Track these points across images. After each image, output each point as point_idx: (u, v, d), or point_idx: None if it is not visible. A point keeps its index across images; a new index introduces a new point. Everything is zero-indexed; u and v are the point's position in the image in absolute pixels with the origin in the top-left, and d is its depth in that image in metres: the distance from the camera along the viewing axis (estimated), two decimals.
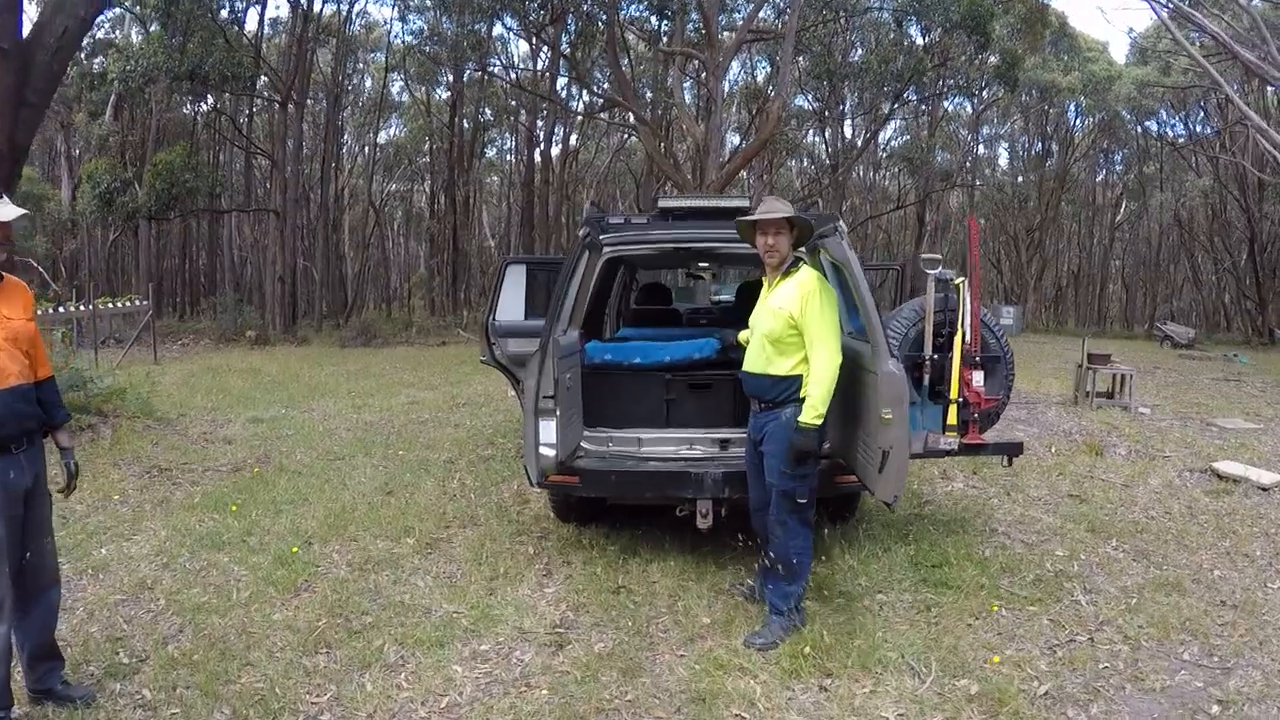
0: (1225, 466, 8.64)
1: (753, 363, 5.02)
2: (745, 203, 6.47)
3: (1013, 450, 5.84)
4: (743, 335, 5.55)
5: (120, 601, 5.34)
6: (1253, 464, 8.82)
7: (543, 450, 5.30)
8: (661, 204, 6.69)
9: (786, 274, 4.91)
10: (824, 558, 5.89)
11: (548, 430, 5.29)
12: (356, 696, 4.21)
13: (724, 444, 6.12)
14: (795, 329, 4.74)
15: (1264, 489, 7.97)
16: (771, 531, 4.89)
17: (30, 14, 10.34)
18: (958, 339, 5.38)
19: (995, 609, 5.16)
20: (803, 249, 5.16)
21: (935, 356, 5.54)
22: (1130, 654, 4.66)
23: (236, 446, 9.97)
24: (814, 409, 4.61)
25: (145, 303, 21.93)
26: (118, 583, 5.64)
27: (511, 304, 7.15)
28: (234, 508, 7.23)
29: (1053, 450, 9.64)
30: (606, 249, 6.20)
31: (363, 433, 10.91)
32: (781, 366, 4.83)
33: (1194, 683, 4.37)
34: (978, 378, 5.45)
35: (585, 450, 6.10)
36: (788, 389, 4.81)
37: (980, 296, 5.50)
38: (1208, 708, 4.13)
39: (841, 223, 4.89)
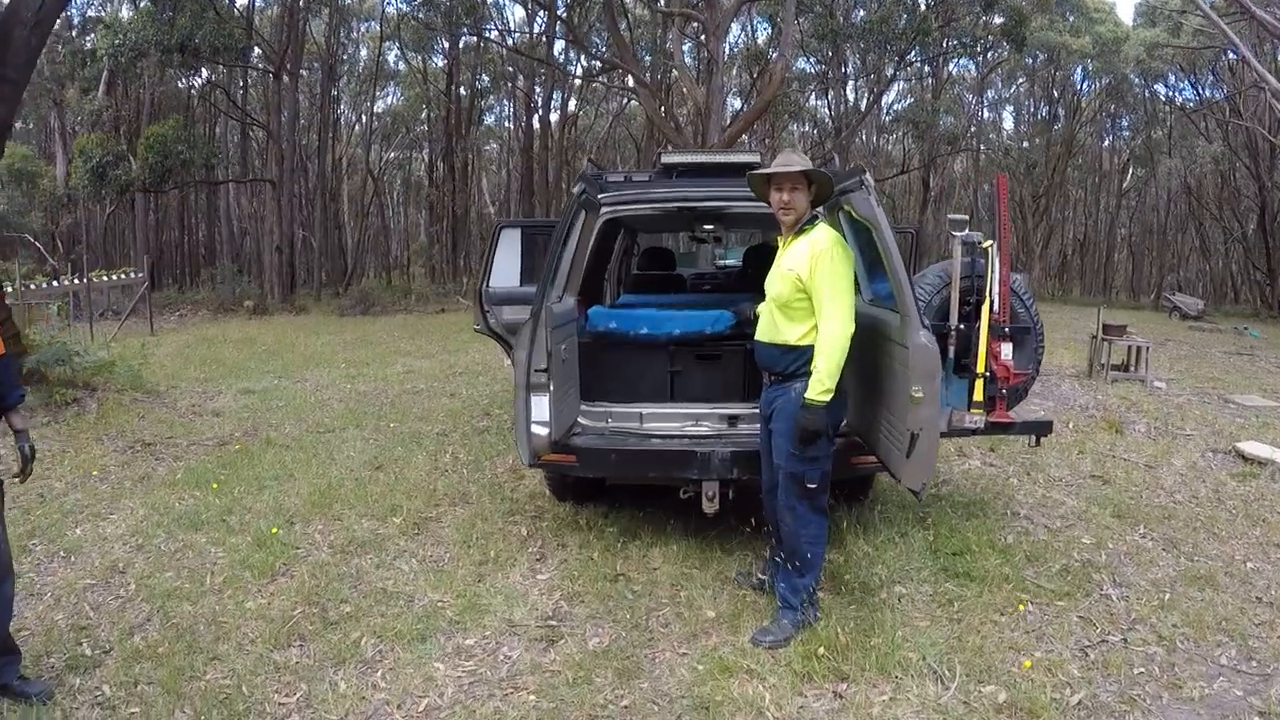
0: (1250, 448, 8.35)
1: (763, 330, 4.60)
2: (756, 158, 6.01)
3: (1041, 430, 5.40)
4: (761, 306, 5.16)
5: (90, 586, 5.11)
6: (1277, 445, 8.53)
7: (535, 429, 4.90)
8: (665, 160, 6.22)
9: (800, 233, 4.45)
10: (838, 544, 5.52)
11: (540, 407, 4.88)
12: (328, 697, 3.88)
13: (733, 420, 5.68)
14: (805, 293, 4.31)
15: None
16: (780, 518, 4.49)
17: None
18: (985, 308, 4.93)
19: (1023, 607, 4.76)
20: (820, 208, 4.67)
21: (961, 327, 5.07)
22: (1165, 657, 4.32)
23: (225, 419, 9.72)
24: (820, 383, 4.16)
25: (140, 275, 21.79)
26: (89, 565, 5.41)
27: (506, 269, 6.77)
28: (215, 485, 6.94)
29: (1071, 426, 9.28)
30: (605, 209, 5.74)
31: (355, 404, 10.63)
32: (791, 334, 4.40)
33: (1233, 690, 4.03)
34: (1006, 350, 5.00)
35: (582, 426, 5.69)
36: (797, 360, 4.39)
37: (1010, 261, 5.03)
38: (1248, 719, 3.80)
39: (868, 176, 4.35)
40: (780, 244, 4.63)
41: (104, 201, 33.58)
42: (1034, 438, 5.45)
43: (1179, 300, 30.05)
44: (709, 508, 5.11)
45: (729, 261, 16.91)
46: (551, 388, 4.91)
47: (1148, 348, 12.83)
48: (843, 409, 4.44)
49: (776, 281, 4.46)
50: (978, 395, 4.95)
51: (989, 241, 4.98)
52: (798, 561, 4.40)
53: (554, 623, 4.60)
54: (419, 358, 15.16)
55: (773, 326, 4.50)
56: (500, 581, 5.10)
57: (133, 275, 22.13)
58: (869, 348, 4.38)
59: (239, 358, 15.16)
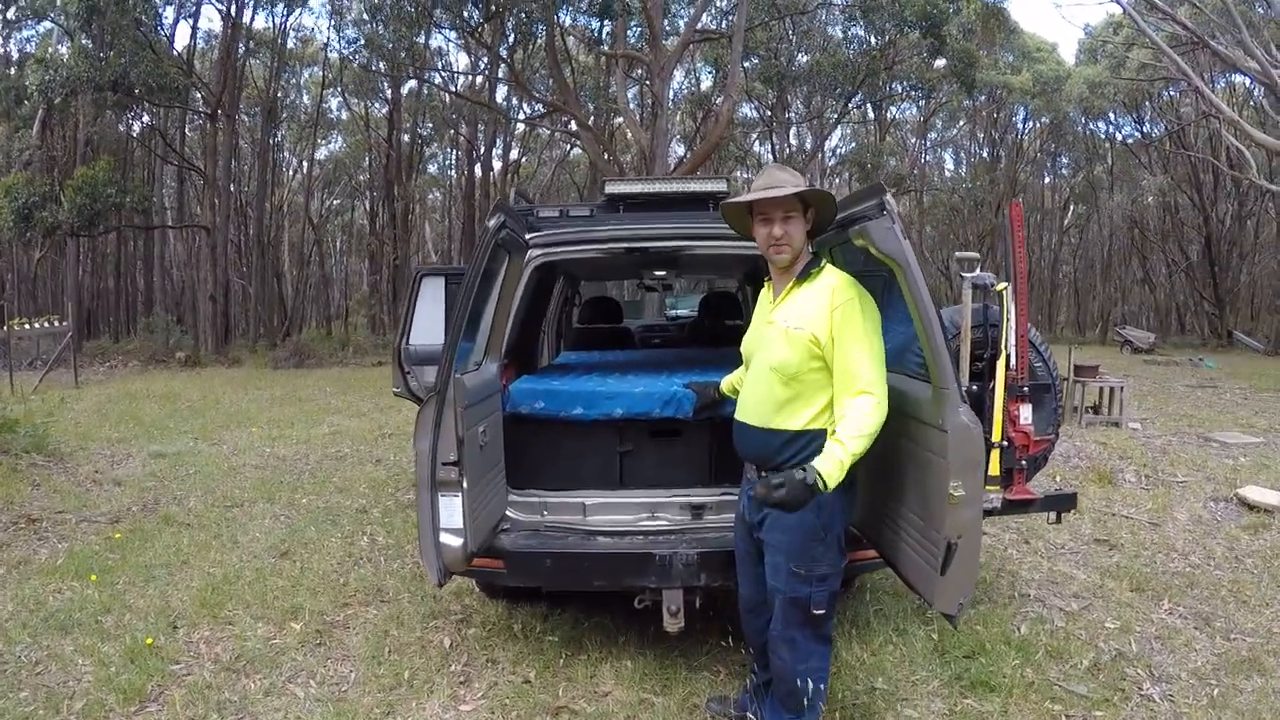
0: (1252, 494, 7.83)
1: (752, 409, 3.54)
2: (722, 185, 4.99)
3: (1065, 504, 4.52)
4: (729, 381, 4.17)
5: None
6: (1276, 488, 8.06)
7: (445, 539, 3.80)
8: (609, 189, 5.17)
9: (804, 278, 3.45)
10: None
11: (451, 510, 3.79)
12: None
13: (698, 511, 4.62)
14: (823, 359, 3.32)
15: None
16: (774, 650, 3.47)
17: None
18: (1000, 364, 4.06)
19: None
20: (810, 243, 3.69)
21: (974, 387, 4.16)
22: None
23: (126, 489, 8.77)
24: (839, 462, 3.11)
25: (65, 324, 20.80)
26: None
27: (429, 324, 5.74)
28: (93, 577, 5.95)
29: (1058, 480, 8.61)
30: (535, 251, 4.79)
31: (272, 471, 9.67)
32: (796, 417, 3.38)
33: None
34: (1025, 413, 4.14)
35: (511, 521, 4.65)
36: (804, 450, 3.34)
37: (1029, 311, 4.14)
38: None
39: (889, 197, 3.23)
40: (769, 292, 3.66)
41: (31, 245, 32.33)
42: (1056, 514, 4.59)
43: (1130, 334, 30.14)
44: (672, 625, 4.11)
45: (680, 311, 15.95)
46: (465, 484, 3.84)
47: (1122, 388, 12.34)
48: (855, 505, 3.47)
49: (779, 344, 3.41)
50: (993, 469, 4.06)
51: (1003, 284, 4.10)
52: (795, 702, 3.42)
53: None
54: (349, 416, 14.18)
55: (770, 405, 3.45)
56: (414, 714, 4.11)
57: (58, 324, 21.13)
58: (884, 429, 3.31)
59: (158, 415, 14.20)
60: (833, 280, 3.36)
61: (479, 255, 3.92)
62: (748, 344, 3.66)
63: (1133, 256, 47.84)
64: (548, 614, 5.19)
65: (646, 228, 4.93)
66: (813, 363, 3.30)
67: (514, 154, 44.24)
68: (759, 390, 3.48)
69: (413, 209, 43.99)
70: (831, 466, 3.10)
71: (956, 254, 4.08)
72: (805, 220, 3.44)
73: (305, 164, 46.21)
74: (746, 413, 3.55)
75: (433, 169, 50.17)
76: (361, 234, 51.88)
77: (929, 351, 3.24)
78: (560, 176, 48.70)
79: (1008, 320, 4.04)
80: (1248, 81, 29.75)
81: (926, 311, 3.18)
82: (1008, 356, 4.03)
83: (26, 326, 20.33)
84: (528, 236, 4.73)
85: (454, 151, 46.79)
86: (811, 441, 3.32)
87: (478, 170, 40.61)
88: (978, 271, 3.93)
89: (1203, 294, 38.88)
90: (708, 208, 4.61)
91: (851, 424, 3.17)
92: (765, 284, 3.71)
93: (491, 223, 3.92)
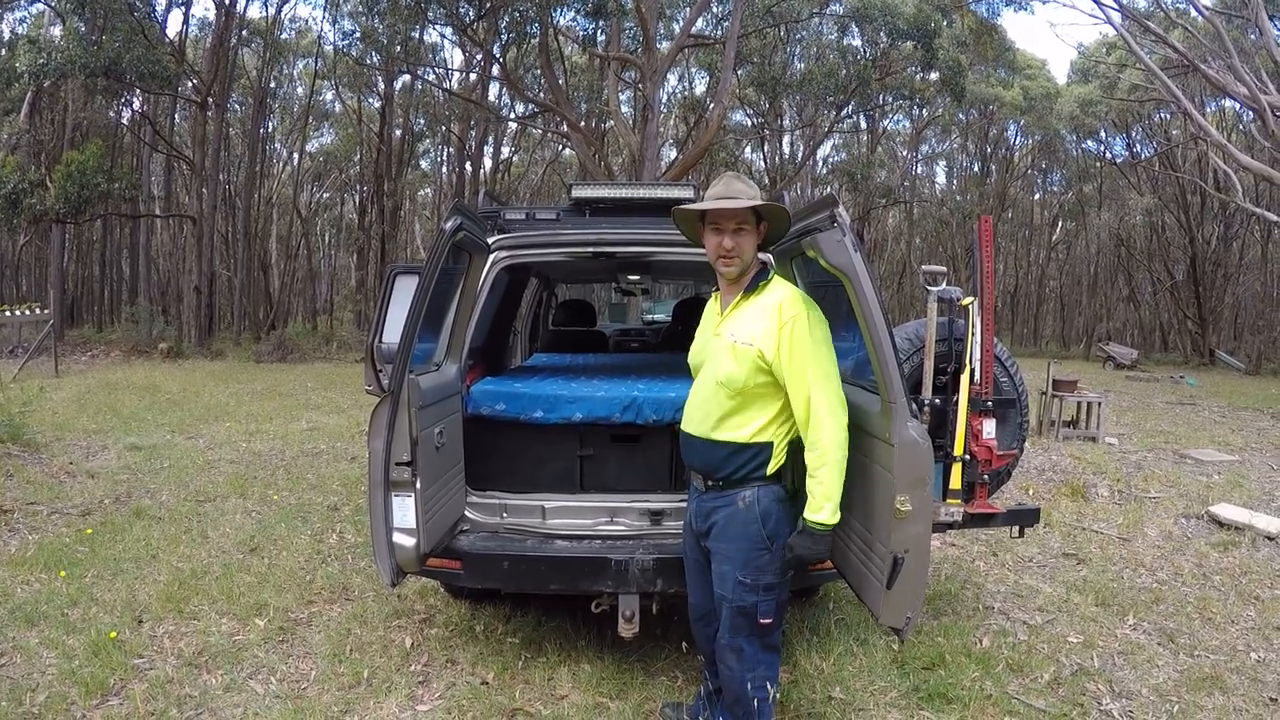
0: (1224, 511, 7.88)
1: (697, 421, 3.47)
2: (689, 192, 4.97)
3: (1027, 520, 4.53)
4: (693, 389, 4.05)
5: None
6: (1248, 506, 8.15)
7: (398, 539, 3.77)
8: (576, 193, 5.16)
9: (751, 291, 3.37)
10: (784, 659, 4.53)
11: (404, 510, 3.76)
12: None
13: (656, 517, 4.57)
14: (770, 374, 3.25)
15: (1271, 538, 7.20)
16: (722, 658, 3.44)
17: None
18: (964, 378, 4.06)
19: None
20: (767, 254, 3.71)
21: (937, 401, 4.17)
22: None
23: (99, 481, 8.70)
24: (829, 498, 3.14)
25: (47, 311, 20.60)
26: None
27: (402, 322, 5.77)
28: (62, 572, 5.90)
29: (1031, 494, 8.63)
30: (500, 253, 4.76)
31: (246, 466, 9.60)
32: (742, 428, 3.32)
33: None
34: (989, 427, 4.14)
35: (470, 522, 4.61)
36: (750, 462, 3.32)
37: (995, 324, 4.15)
38: None
39: (841, 209, 3.17)
40: (715, 303, 3.59)
41: (16, 231, 32.07)
42: (1018, 529, 4.60)
43: (1113, 350, 30.16)
44: (626, 630, 4.08)
45: (657, 316, 15.85)
46: (419, 485, 3.82)
47: (1100, 404, 12.35)
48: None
49: (724, 358, 3.35)
50: (954, 483, 4.07)
51: (969, 299, 4.10)
52: (743, 710, 3.39)
53: None
54: (328, 412, 14.10)
55: (714, 417, 3.38)
56: (371, 713, 4.10)
57: (40, 311, 20.99)
58: None
59: (137, 407, 14.07)
60: (780, 295, 3.30)
61: (434, 257, 3.86)
62: (694, 355, 3.62)
63: (1119, 274, 47.88)
64: (510, 615, 5.19)
65: (612, 232, 4.91)
66: (759, 377, 3.26)
67: (505, 153, 44.11)
68: (705, 402, 3.44)
69: (403, 205, 43.80)
70: (818, 506, 3.16)
71: (923, 267, 4.07)
72: (757, 233, 3.39)
73: (296, 156, 45.93)
74: (692, 424, 3.51)
75: (424, 165, 49.88)
76: (350, 229, 51.60)
77: (877, 365, 3.20)
78: (550, 177, 48.61)
79: (973, 335, 4.04)
80: (1237, 106, 29.82)
81: (875, 325, 3.14)
82: (972, 371, 4.04)
83: (8, 313, 20.14)
84: (493, 239, 4.73)
85: (445, 148, 46.58)
86: (758, 454, 3.31)
87: (468, 168, 40.49)
88: (944, 285, 3.95)
89: (1186, 313, 38.97)
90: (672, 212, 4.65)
91: (816, 454, 3.17)
92: (713, 295, 3.65)
93: (448, 225, 3.85)
